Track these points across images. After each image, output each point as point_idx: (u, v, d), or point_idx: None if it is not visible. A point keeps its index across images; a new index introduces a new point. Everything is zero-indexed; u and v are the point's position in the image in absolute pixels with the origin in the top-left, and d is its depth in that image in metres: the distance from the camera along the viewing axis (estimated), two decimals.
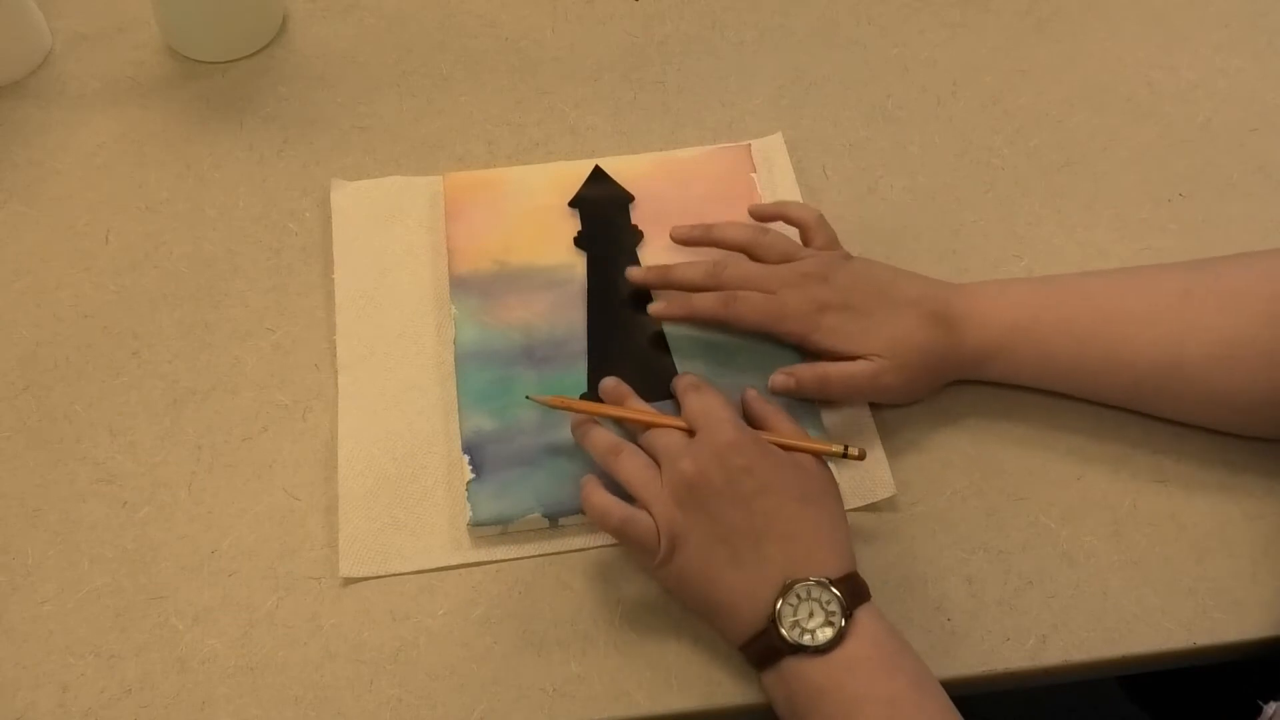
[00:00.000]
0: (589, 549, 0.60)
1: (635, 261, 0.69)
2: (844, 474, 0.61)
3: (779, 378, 0.63)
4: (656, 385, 0.63)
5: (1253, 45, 0.83)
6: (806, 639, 0.51)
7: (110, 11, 0.84)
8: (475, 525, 0.60)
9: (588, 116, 0.78)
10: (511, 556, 0.60)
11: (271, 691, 0.56)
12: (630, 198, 0.72)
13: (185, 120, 0.78)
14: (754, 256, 0.66)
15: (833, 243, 0.66)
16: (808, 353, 0.64)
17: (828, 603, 0.52)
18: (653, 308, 0.65)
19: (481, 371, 0.65)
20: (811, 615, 0.52)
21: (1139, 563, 0.60)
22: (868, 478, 0.62)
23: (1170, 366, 0.60)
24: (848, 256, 0.66)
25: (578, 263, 0.69)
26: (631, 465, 0.57)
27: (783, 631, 0.52)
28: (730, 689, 0.56)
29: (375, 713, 0.56)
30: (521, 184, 0.73)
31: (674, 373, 0.64)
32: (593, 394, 0.64)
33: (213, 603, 0.59)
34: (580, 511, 0.60)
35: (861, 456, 0.58)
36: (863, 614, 0.53)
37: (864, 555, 0.59)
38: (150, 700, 0.56)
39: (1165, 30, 0.84)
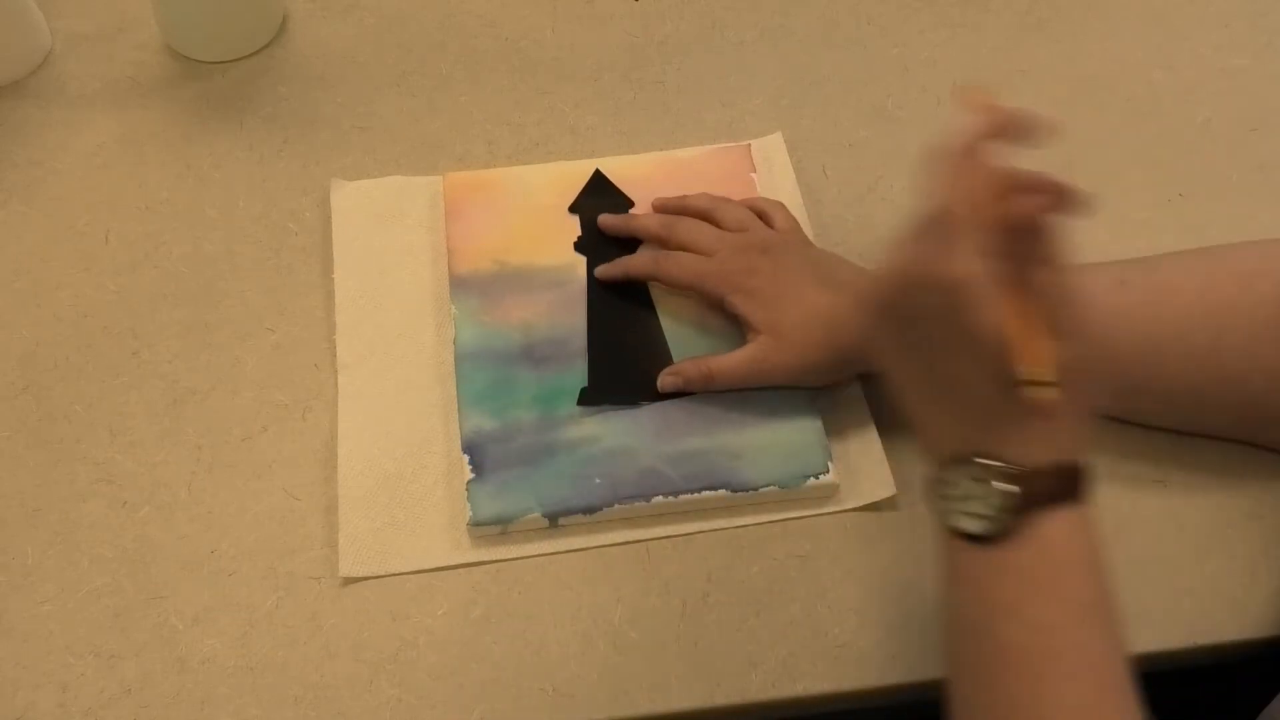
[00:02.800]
0: (589, 549, 0.60)
1: None
2: (844, 474, 0.61)
3: (666, 379, 0.63)
4: (656, 385, 0.63)
5: (1253, 45, 0.83)
6: (948, 513, 0.46)
7: (110, 11, 0.84)
8: (475, 525, 0.60)
9: (588, 116, 0.78)
10: (511, 556, 0.60)
11: (271, 691, 0.56)
12: (630, 203, 0.72)
13: (185, 120, 0.78)
14: (713, 223, 0.68)
15: (793, 226, 0.68)
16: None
17: (1002, 493, 0.44)
18: (597, 271, 0.68)
19: (481, 371, 0.65)
20: (969, 497, 0.45)
21: (1139, 563, 0.60)
22: (868, 478, 0.62)
23: (1099, 357, 0.59)
24: (806, 242, 0.67)
25: (578, 263, 0.69)
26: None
27: (937, 502, 0.46)
28: (730, 689, 0.56)
29: (375, 713, 0.55)
30: (521, 184, 0.73)
31: None
32: (593, 393, 0.64)
33: (212, 602, 0.59)
34: (580, 511, 0.60)
35: None
36: (1057, 520, 0.45)
37: (864, 555, 0.59)
38: (150, 700, 0.56)
39: (1165, 30, 0.84)
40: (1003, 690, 0.45)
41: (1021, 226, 0.46)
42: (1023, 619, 0.45)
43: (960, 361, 0.45)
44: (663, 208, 0.71)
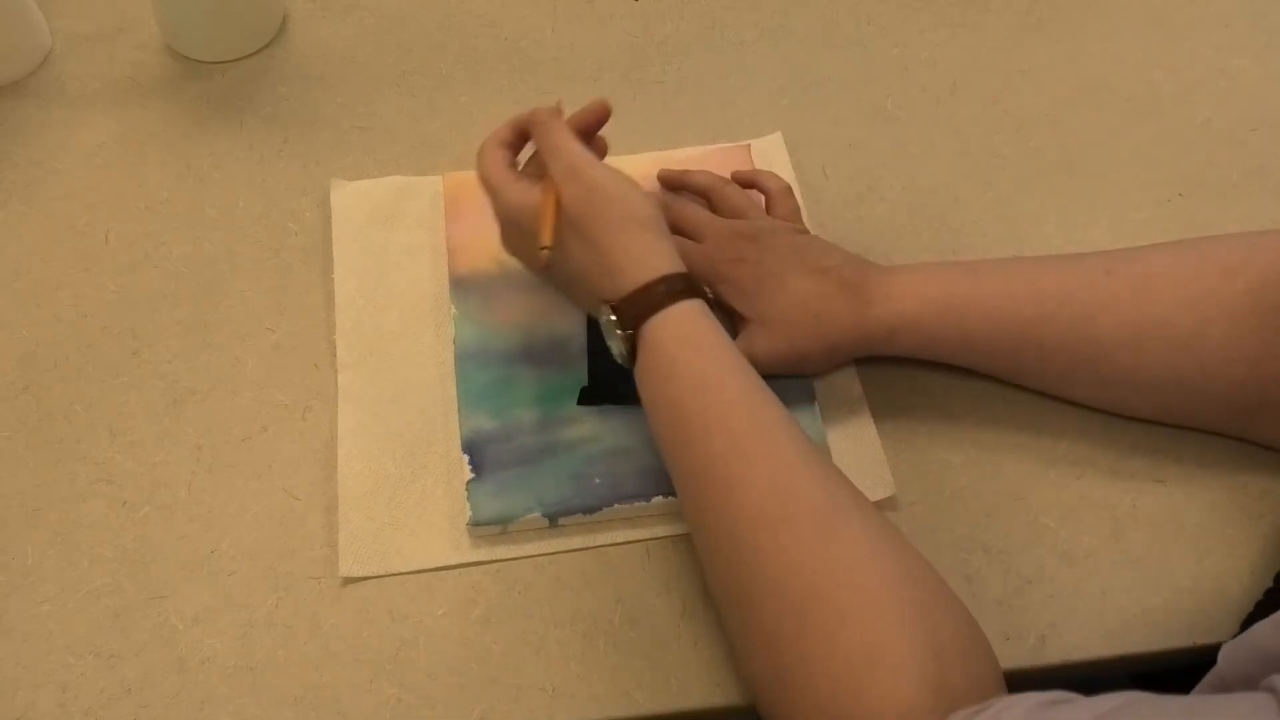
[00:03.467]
0: (589, 549, 0.60)
1: None
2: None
3: None
4: None
5: (1253, 45, 0.83)
6: (617, 358, 0.57)
7: (110, 11, 0.84)
8: (475, 525, 0.60)
9: None
10: (511, 556, 0.60)
11: (271, 691, 0.56)
12: None
13: (185, 120, 0.78)
14: (711, 205, 0.69)
15: (793, 215, 0.68)
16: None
17: (613, 324, 0.56)
18: None
19: (481, 371, 0.65)
20: (611, 339, 0.57)
21: (1139, 563, 0.60)
22: (866, 477, 0.62)
23: (1082, 344, 0.60)
24: (799, 230, 0.67)
25: None
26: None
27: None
28: (730, 689, 0.56)
29: (375, 713, 0.55)
30: None
31: None
32: (593, 393, 0.64)
33: (212, 602, 0.59)
34: (580, 511, 0.60)
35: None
36: (654, 325, 0.55)
37: None
38: (150, 700, 0.56)
39: (1165, 30, 0.84)
40: (676, 465, 0.55)
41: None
42: (661, 403, 0.55)
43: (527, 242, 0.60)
44: (665, 180, 0.72)
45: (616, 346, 0.56)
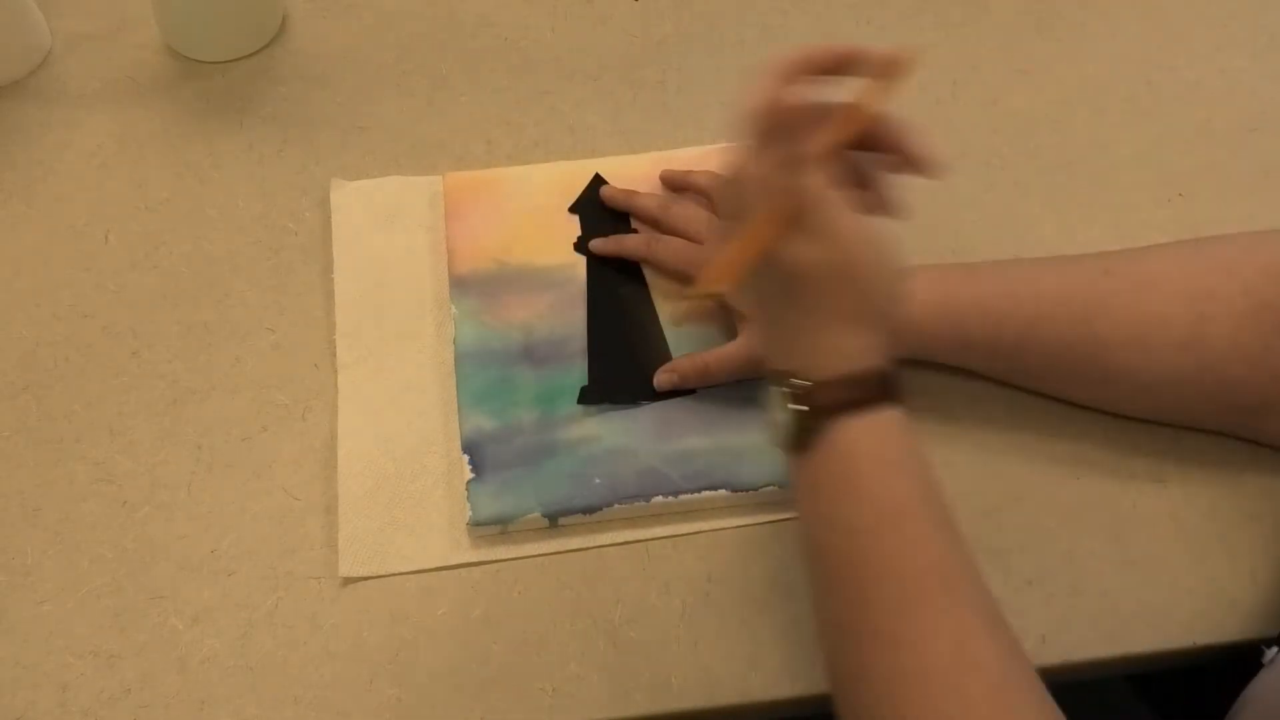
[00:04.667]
0: (589, 549, 0.60)
1: (634, 264, 0.69)
2: None
3: (661, 376, 0.64)
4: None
5: (1253, 45, 0.83)
6: (771, 429, 0.50)
7: (110, 11, 0.84)
8: (475, 525, 0.60)
9: (587, 116, 0.78)
10: (511, 556, 0.60)
11: (271, 691, 0.56)
12: None
13: (185, 120, 0.78)
14: (713, 206, 0.69)
15: None
16: None
17: (791, 406, 0.48)
18: (592, 244, 0.69)
19: (481, 371, 0.65)
20: (777, 411, 0.49)
21: (1139, 563, 0.60)
22: None
23: (1082, 343, 0.60)
24: None
25: (578, 263, 0.69)
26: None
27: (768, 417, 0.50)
28: (730, 689, 0.56)
29: (375, 713, 0.56)
30: (521, 184, 0.73)
31: None
32: (593, 393, 0.64)
33: (212, 602, 0.59)
34: (580, 511, 0.60)
35: None
36: (849, 426, 0.47)
37: None
38: (150, 700, 0.56)
39: (1165, 30, 0.84)
40: (835, 597, 0.48)
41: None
42: (833, 525, 0.47)
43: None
44: (668, 181, 0.72)
45: (781, 422, 0.49)
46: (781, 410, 0.49)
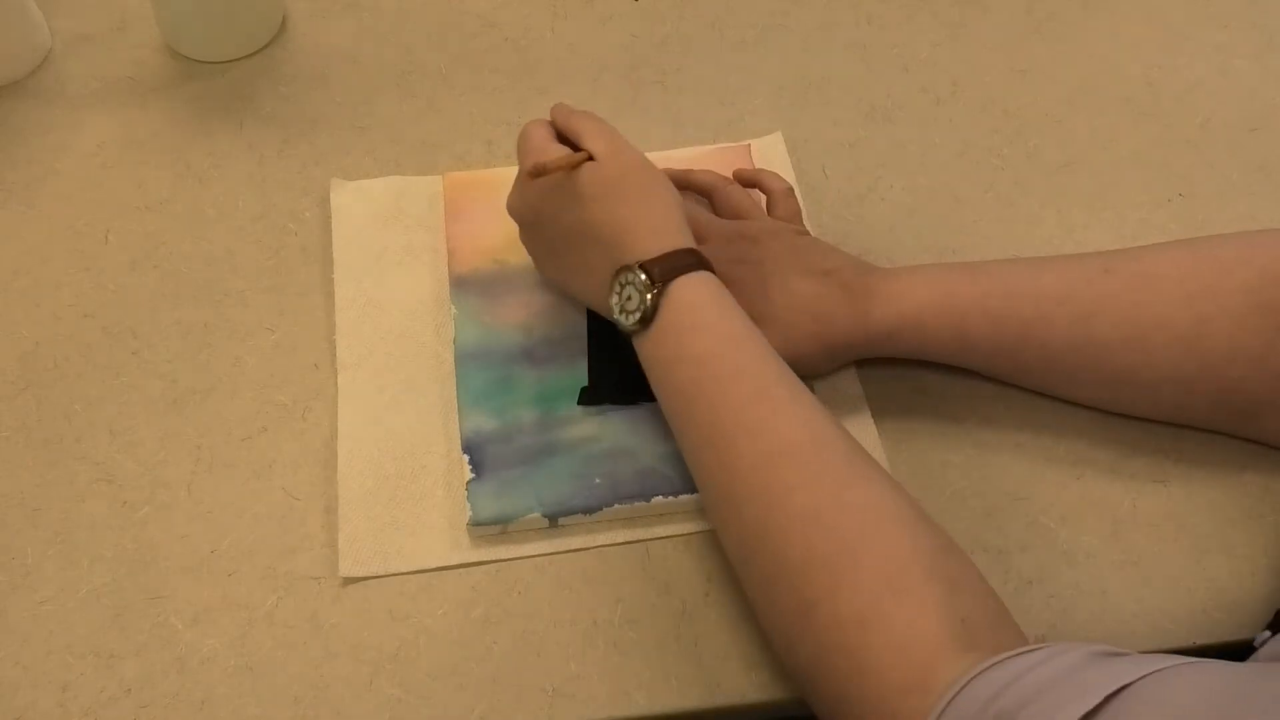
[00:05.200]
0: (589, 549, 0.60)
1: None
2: None
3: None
4: None
5: (1253, 45, 0.83)
6: (624, 318, 0.58)
7: (110, 11, 0.84)
8: (475, 525, 0.60)
9: None
10: (511, 556, 0.60)
11: (271, 691, 0.56)
12: None
13: (185, 120, 0.78)
14: (713, 204, 0.70)
15: (794, 217, 0.69)
16: None
17: (641, 282, 0.57)
18: None
19: (481, 371, 0.65)
20: (629, 298, 0.57)
21: (1139, 563, 0.60)
22: None
23: (1082, 343, 0.60)
24: (799, 231, 0.67)
25: None
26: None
27: (617, 317, 0.58)
28: (730, 689, 0.56)
29: (375, 713, 0.56)
30: None
31: None
32: (593, 393, 0.64)
33: (212, 602, 0.59)
34: (580, 511, 0.60)
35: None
36: (680, 284, 0.57)
37: None
38: (150, 700, 0.56)
39: (1165, 30, 0.84)
40: (697, 422, 0.55)
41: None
42: (686, 359, 0.56)
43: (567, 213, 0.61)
44: (669, 179, 0.71)
45: (636, 303, 0.57)
46: (634, 293, 0.57)
